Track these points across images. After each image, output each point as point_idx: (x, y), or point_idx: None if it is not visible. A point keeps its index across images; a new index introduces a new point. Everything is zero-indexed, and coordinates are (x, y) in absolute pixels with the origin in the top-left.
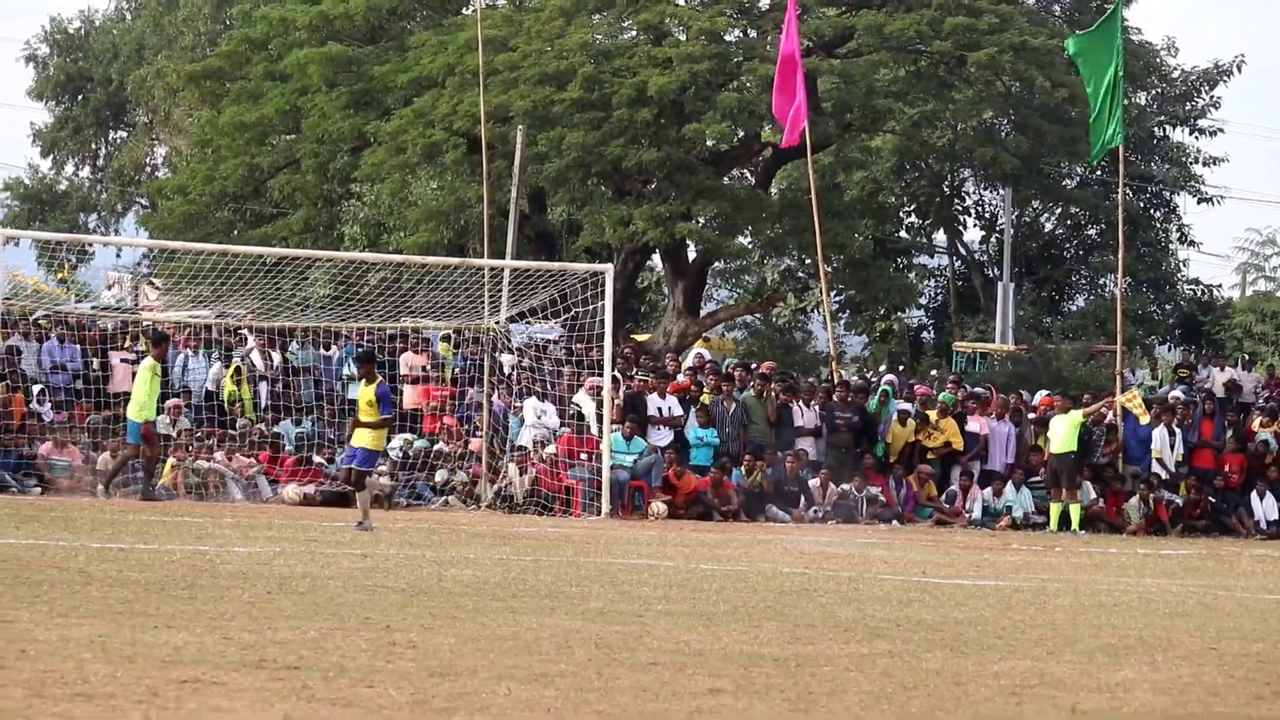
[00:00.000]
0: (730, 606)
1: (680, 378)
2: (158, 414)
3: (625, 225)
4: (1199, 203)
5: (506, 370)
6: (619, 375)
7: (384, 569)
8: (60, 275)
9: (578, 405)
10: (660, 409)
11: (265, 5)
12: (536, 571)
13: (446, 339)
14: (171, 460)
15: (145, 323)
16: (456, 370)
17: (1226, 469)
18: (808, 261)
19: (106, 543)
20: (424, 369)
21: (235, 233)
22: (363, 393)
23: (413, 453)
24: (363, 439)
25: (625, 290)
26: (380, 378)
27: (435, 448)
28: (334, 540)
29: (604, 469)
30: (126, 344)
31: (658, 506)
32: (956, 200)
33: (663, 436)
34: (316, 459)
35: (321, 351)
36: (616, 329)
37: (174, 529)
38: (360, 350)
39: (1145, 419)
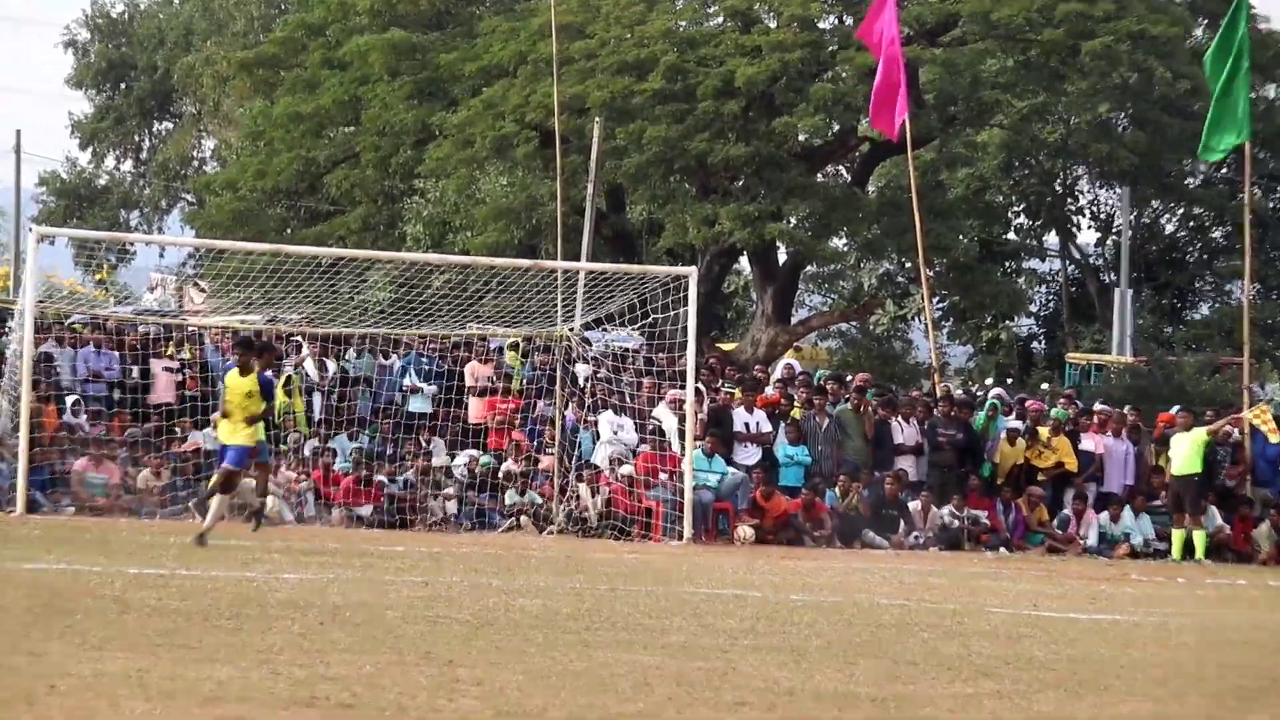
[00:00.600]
0: (823, 641)
1: (769, 390)
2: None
3: (710, 225)
4: None
5: (580, 381)
6: (703, 387)
7: (446, 598)
8: (98, 276)
9: (657, 420)
10: (747, 424)
11: None
12: (612, 602)
13: (515, 347)
14: (216, 477)
15: (192, 328)
16: (525, 381)
17: None
18: (908, 265)
19: (145, 568)
20: (490, 379)
21: (288, 231)
22: (237, 384)
23: (478, 471)
24: (236, 435)
25: (710, 295)
26: (259, 366)
27: (502, 466)
28: (393, 566)
29: (686, 490)
30: (170, 351)
31: (744, 531)
32: (1069, 200)
33: (750, 454)
34: (377, 477)
35: (380, 360)
36: (700, 337)
37: (218, 554)
38: (241, 337)
39: (1275, 438)
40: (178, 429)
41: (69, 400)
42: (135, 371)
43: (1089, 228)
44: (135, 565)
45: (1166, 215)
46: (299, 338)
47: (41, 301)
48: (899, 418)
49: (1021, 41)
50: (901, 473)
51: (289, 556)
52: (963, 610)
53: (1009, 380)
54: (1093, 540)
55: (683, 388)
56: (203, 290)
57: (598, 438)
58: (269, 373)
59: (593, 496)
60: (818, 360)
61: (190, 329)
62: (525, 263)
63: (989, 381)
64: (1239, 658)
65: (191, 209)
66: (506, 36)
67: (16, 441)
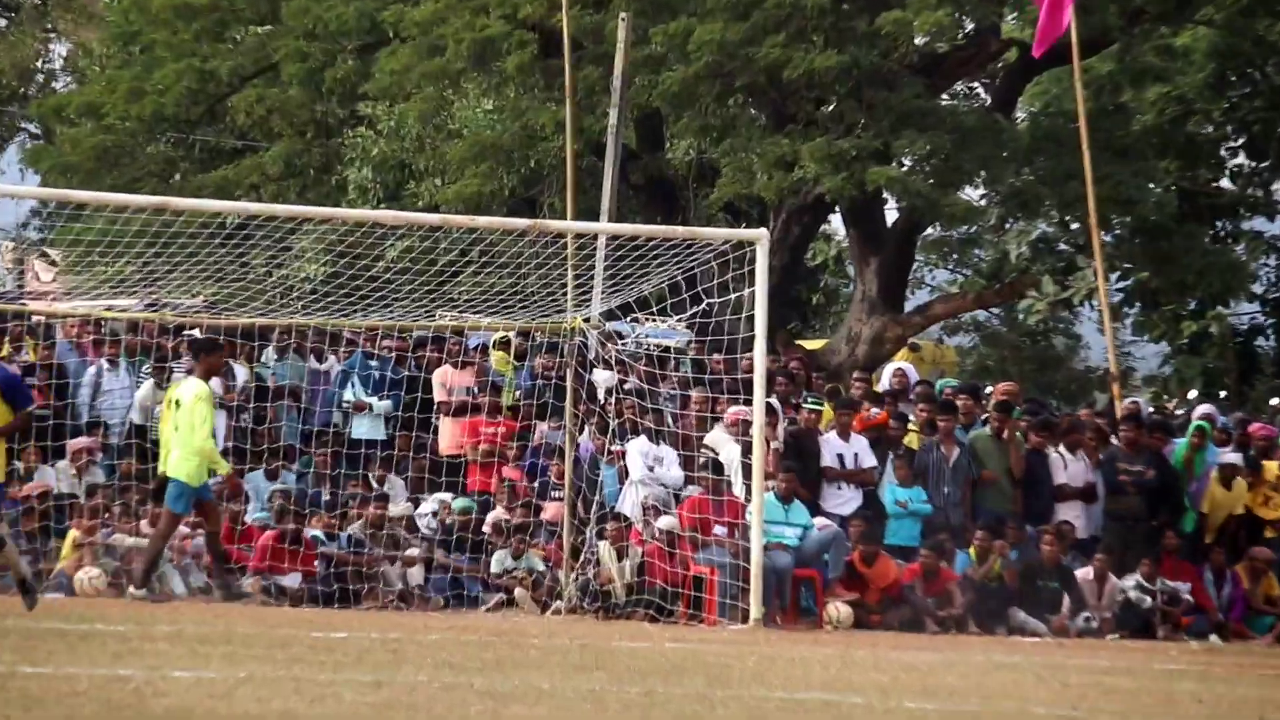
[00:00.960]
0: None
1: (872, 408)
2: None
3: (787, 169)
4: None
5: (601, 395)
6: (777, 403)
7: (408, 706)
8: None
9: (712, 450)
10: (841, 456)
11: None
12: (647, 711)
13: (505, 345)
14: (74, 534)
15: (37, 318)
16: (520, 395)
17: None
18: (1074, 227)
19: None
20: (469, 391)
21: (178, 177)
22: None
23: (452, 522)
24: None
25: (787, 270)
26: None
27: (488, 516)
28: (331, 660)
29: (753, 550)
30: (5, 351)
31: (838, 609)
32: None
33: (845, 499)
34: (309, 532)
35: (312, 364)
36: (774, 331)
37: (80, 641)
38: None
39: None
40: (17, 462)
41: None
42: None
43: None
44: None
45: None
46: (194, 331)
47: None
48: (1061, 447)
49: None
50: (1065, 527)
51: (180, 646)
52: None
53: (1223, 394)
54: None
55: (748, 403)
56: (53, 264)
57: (626, 475)
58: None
59: (619, 560)
60: (942, 364)
61: (35, 319)
62: (520, 223)
63: (1193, 395)
64: None
65: (35, 144)
66: None
67: None
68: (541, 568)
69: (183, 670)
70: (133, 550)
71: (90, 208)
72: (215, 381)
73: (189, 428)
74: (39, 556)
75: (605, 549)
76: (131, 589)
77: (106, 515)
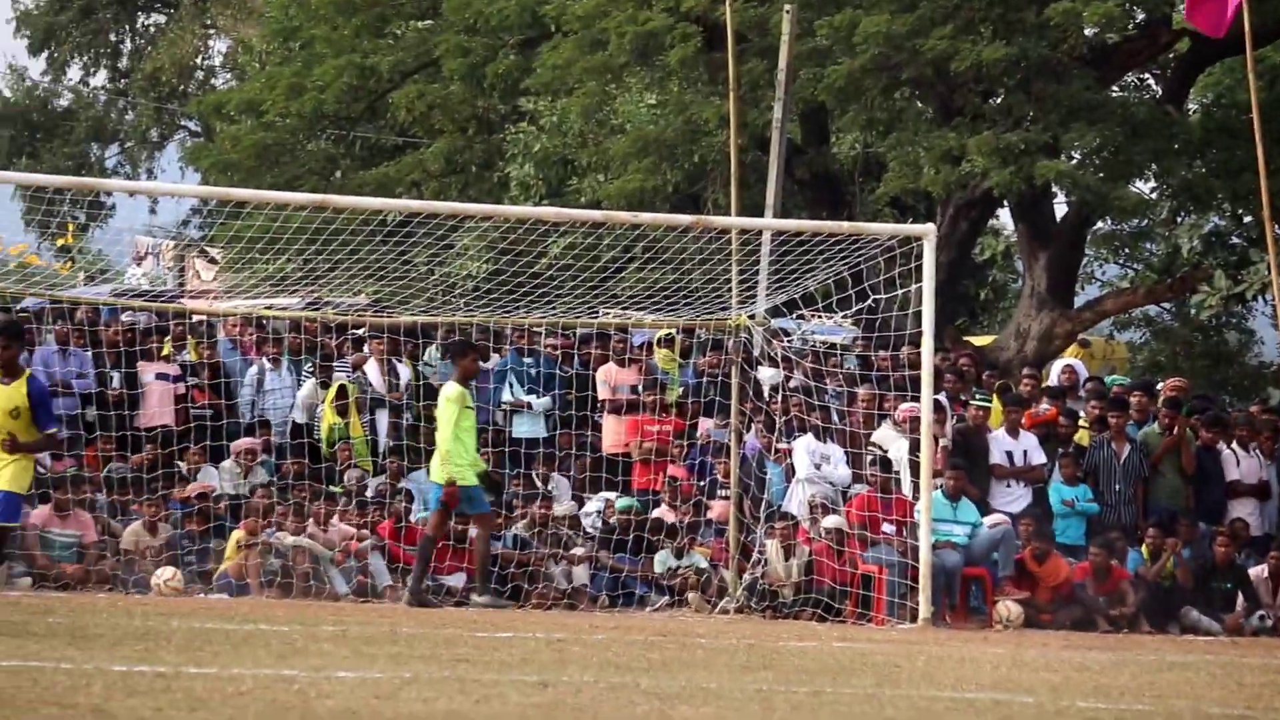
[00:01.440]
0: None
1: (1043, 405)
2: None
3: (955, 163)
4: None
5: (766, 392)
6: (945, 400)
7: (573, 705)
8: (61, 241)
9: (879, 447)
10: (1010, 454)
11: None
12: (815, 711)
13: (669, 343)
14: (237, 534)
15: (198, 317)
16: (686, 392)
17: None
18: (1247, 220)
19: (137, 664)
20: (634, 390)
21: (338, 175)
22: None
23: (617, 521)
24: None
25: (955, 266)
26: (28, 368)
27: (654, 515)
28: (496, 660)
29: (922, 548)
30: (166, 350)
31: (1008, 608)
32: None
33: (1015, 497)
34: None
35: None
36: (941, 328)
37: (243, 642)
38: (4, 321)
39: None
40: (180, 463)
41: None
42: (117, 380)
43: None
44: (121, 661)
45: None
46: (357, 330)
47: None
48: (1234, 444)
49: None
50: (1239, 524)
51: (344, 646)
52: None
53: None
54: None
55: (915, 400)
56: (213, 262)
57: (792, 474)
58: (37, 378)
59: (786, 559)
60: (1113, 360)
61: (196, 318)
62: (684, 219)
63: None
64: None
65: (196, 142)
66: None
67: None
68: (707, 567)
69: (347, 670)
70: (297, 550)
71: (250, 206)
72: (375, 376)
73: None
74: (205, 557)
75: (774, 548)
76: (474, 596)
77: (269, 516)
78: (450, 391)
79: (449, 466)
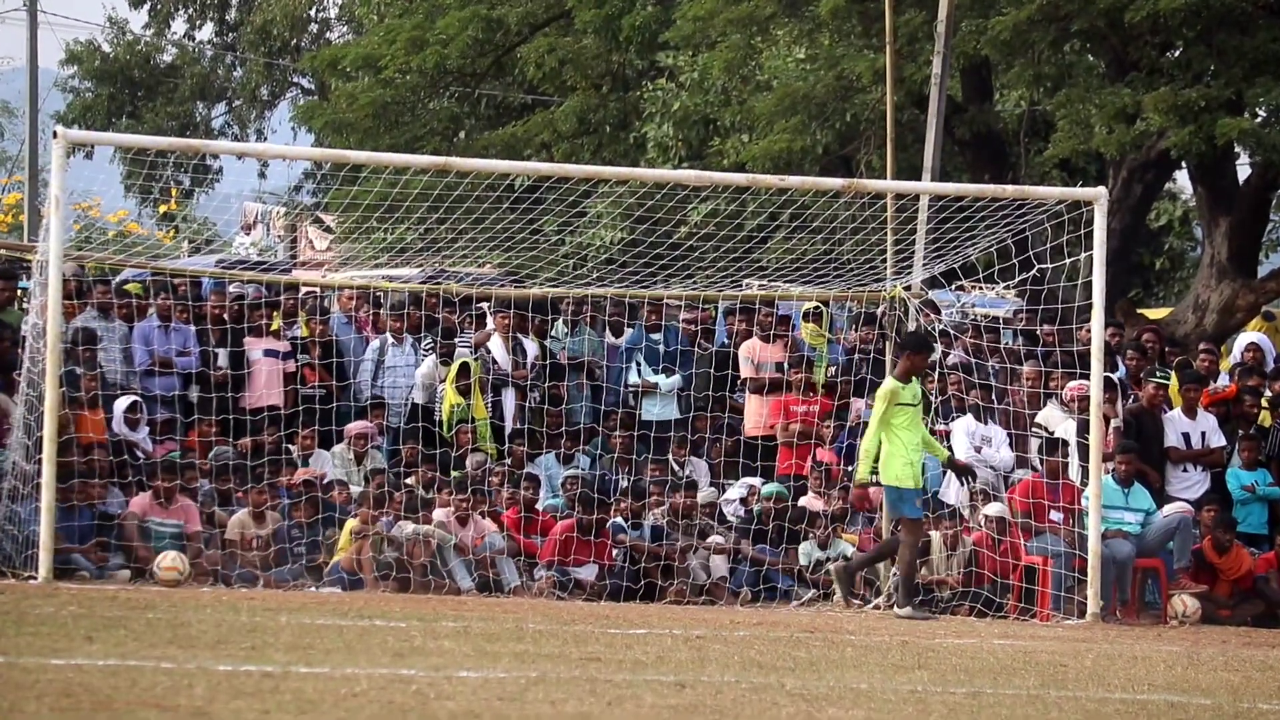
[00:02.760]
0: None
1: (1222, 380)
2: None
3: (1128, 122)
4: None
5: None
6: (1119, 378)
7: (713, 708)
8: (164, 208)
9: (1044, 429)
10: (1187, 436)
11: None
12: (974, 714)
13: (818, 316)
14: (351, 523)
15: (310, 290)
16: (833, 371)
17: None
18: None
19: (242, 664)
20: (779, 367)
21: (462, 136)
22: None
23: (760, 509)
24: None
25: (1128, 232)
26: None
27: (799, 503)
28: (630, 658)
29: (1091, 538)
30: (276, 326)
31: (1184, 602)
32: None
33: (1192, 483)
34: (612, 520)
35: (608, 338)
36: (1113, 299)
37: (358, 639)
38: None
39: None
40: (290, 447)
41: (120, 404)
42: (223, 358)
43: None
44: (226, 660)
45: None
46: (482, 304)
47: (75, 249)
48: None
49: None
50: None
51: (466, 644)
52: None
53: None
54: None
55: (1085, 377)
56: (327, 230)
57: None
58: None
59: (944, 550)
60: None
61: (308, 291)
62: (835, 182)
63: None
64: None
65: (309, 101)
66: None
67: (37, 469)
68: (858, 558)
69: (469, 670)
70: (415, 540)
71: (367, 169)
72: (499, 353)
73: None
74: (316, 549)
75: (936, 541)
76: (896, 609)
77: (384, 503)
78: (882, 387)
79: (866, 465)
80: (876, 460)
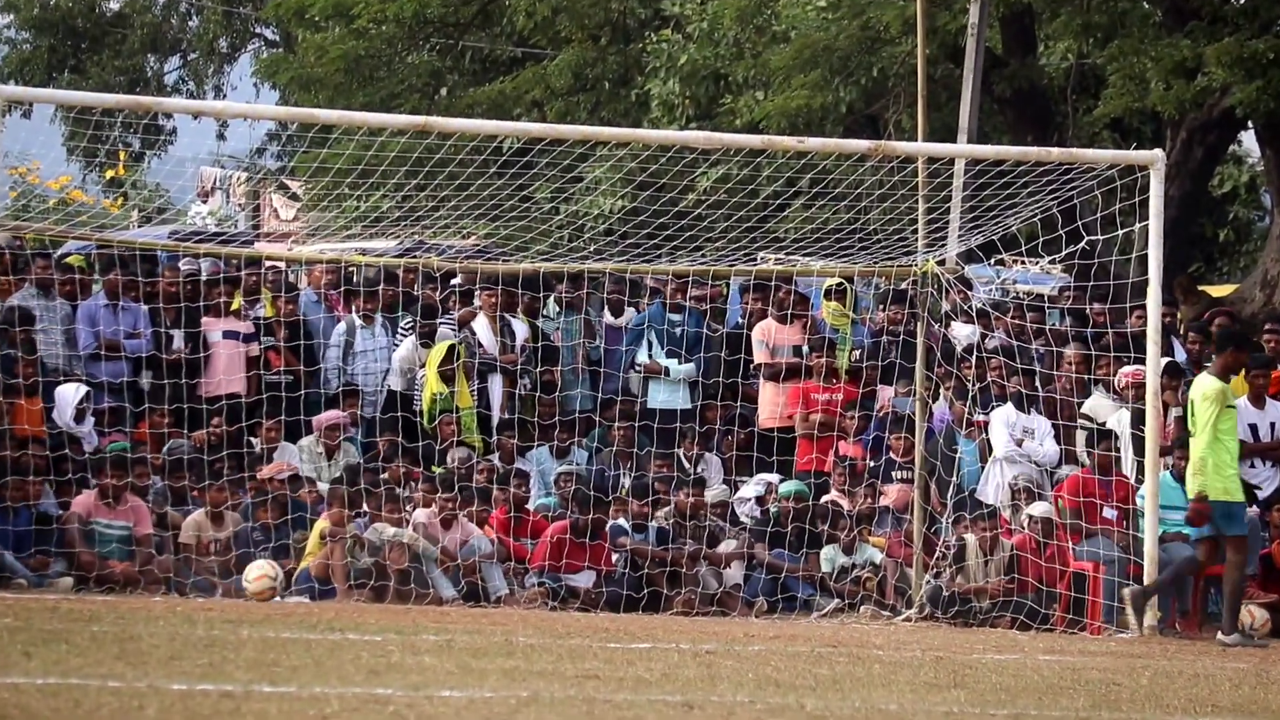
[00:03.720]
0: None
1: None
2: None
3: (1188, 76)
4: None
5: (958, 353)
6: (1181, 361)
7: None
8: (110, 173)
9: (1093, 419)
10: (1254, 426)
11: None
12: None
13: (840, 294)
14: (321, 525)
15: (274, 264)
16: (858, 355)
17: None
18: None
19: (199, 682)
20: (797, 351)
21: (443, 93)
22: None
23: (777, 508)
24: None
25: (1188, 200)
26: None
27: (823, 500)
28: (631, 676)
29: (1147, 541)
30: (237, 305)
31: (1252, 614)
32: None
33: (1260, 479)
34: (612, 522)
35: (607, 317)
36: (1171, 275)
37: (328, 654)
38: None
39: None
40: (253, 440)
41: (69, 392)
42: (178, 340)
43: None
44: (180, 678)
45: None
46: (464, 280)
47: (11, 218)
48: None
49: None
50: None
51: (449, 659)
52: None
53: None
54: None
55: (1140, 361)
56: (294, 198)
57: (989, 451)
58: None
59: (983, 555)
60: None
61: (272, 266)
62: (860, 144)
63: None
64: None
65: (272, 54)
66: None
67: None
68: (887, 565)
69: (453, 689)
70: (393, 543)
71: (338, 130)
72: (486, 335)
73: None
74: (281, 553)
75: (969, 542)
76: (1221, 636)
77: (359, 503)
78: (1208, 387)
79: (1201, 478)
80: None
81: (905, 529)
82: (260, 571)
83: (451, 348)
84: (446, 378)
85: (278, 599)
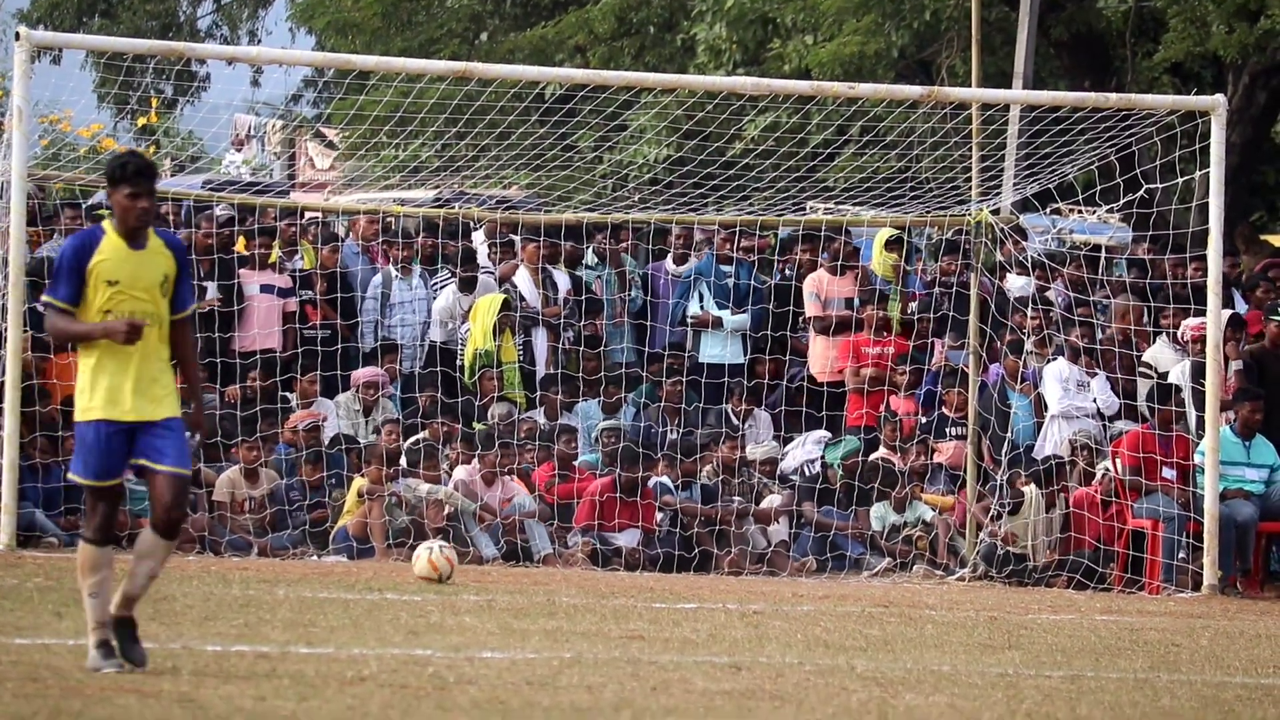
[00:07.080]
0: None
1: None
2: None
3: (1251, 19)
4: None
5: (1013, 305)
6: (1242, 314)
7: (772, 693)
8: (142, 121)
9: (1152, 371)
10: None
11: None
12: (1074, 700)
13: (895, 244)
14: (359, 483)
15: (312, 215)
16: (911, 307)
17: None
18: None
19: (234, 643)
20: (848, 303)
21: (484, 38)
22: None
23: (840, 467)
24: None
25: (1250, 147)
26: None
27: (872, 457)
28: (677, 636)
29: (1207, 499)
30: (274, 257)
31: None
32: None
33: None
34: (655, 479)
35: (652, 269)
36: (1232, 224)
37: (366, 615)
38: None
39: None
40: (289, 395)
41: None
42: (211, 292)
43: None
44: (215, 639)
45: None
46: (506, 231)
47: (41, 168)
48: None
49: None
50: None
51: (490, 620)
52: None
53: None
54: None
55: (1202, 313)
56: (331, 147)
57: (1044, 407)
58: None
59: (1040, 513)
60: None
61: (310, 216)
62: (913, 90)
63: None
64: None
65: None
66: None
67: None
68: (936, 524)
69: (494, 650)
70: (429, 500)
71: (376, 76)
72: (527, 287)
73: None
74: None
75: (1031, 500)
76: None
77: (399, 460)
78: None
79: None
80: None
81: (959, 486)
82: (428, 558)
83: (505, 301)
84: (495, 330)
85: (313, 558)
